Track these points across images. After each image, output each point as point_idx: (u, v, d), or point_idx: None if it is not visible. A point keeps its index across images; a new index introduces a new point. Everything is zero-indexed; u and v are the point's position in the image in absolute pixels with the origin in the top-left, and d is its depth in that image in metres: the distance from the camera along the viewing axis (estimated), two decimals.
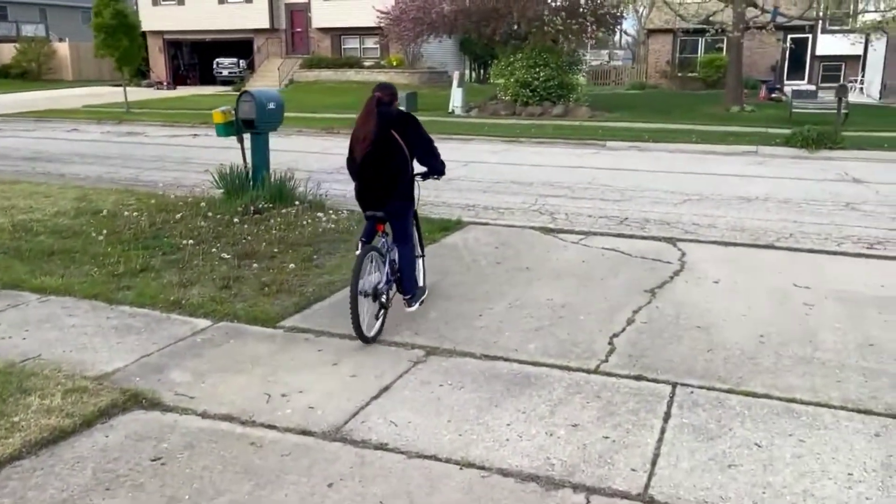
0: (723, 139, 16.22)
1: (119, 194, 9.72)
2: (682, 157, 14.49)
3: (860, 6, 21.91)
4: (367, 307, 4.78)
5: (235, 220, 7.87)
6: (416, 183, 5.21)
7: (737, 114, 21.26)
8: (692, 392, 4.09)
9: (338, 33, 34.28)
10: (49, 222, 7.98)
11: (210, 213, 8.15)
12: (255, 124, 8.64)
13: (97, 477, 3.28)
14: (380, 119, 4.88)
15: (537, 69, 21.50)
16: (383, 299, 4.94)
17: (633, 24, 52.50)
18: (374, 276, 4.87)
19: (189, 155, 14.35)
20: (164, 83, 36.71)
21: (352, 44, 34.70)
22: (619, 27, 30.37)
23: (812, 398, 4.03)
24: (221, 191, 8.99)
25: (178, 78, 38.85)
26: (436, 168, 5.23)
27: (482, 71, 37.85)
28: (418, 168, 5.19)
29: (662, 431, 3.67)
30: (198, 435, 3.63)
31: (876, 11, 20.62)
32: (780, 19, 23.40)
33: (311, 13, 34.03)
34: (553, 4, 21.56)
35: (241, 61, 36.87)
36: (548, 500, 3.13)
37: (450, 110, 22.37)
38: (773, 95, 26.33)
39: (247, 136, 8.96)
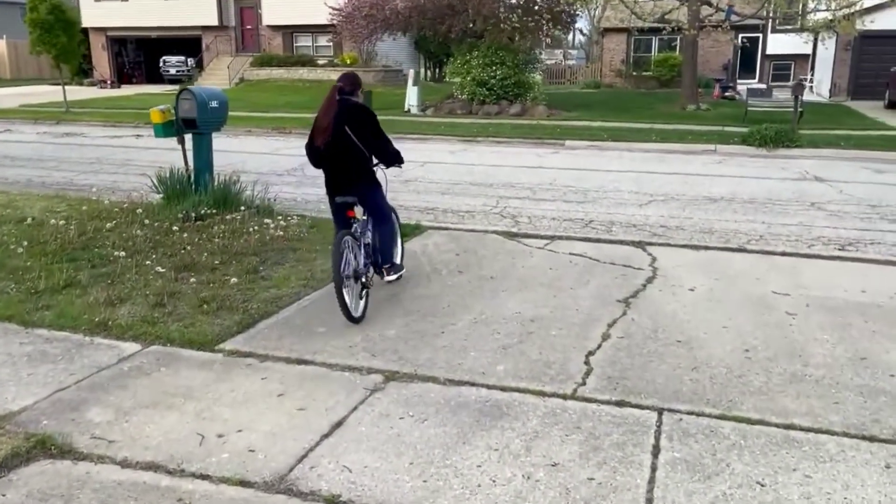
0: (681, 138, 16.07)
1: (48, 200, 8.97)
2: (642, 156, 14.25)
3: (811, 5, 22.07)
4: (351, 289, 5.00)
5: (175, 228, 7.24)
6: (380, 170, 5.49)
7: (693, 112, 21.22)
8: (681, 419, 3.69)
9: (290, 31, 33.43)
10: None
11: (147, 221, 7.50)
12: (196, 124, 8.01)
13: None
14: (338, 111, 5.11)
15: (494, 67, 21.13)
16: (364, 280, 5.16)
17: (587, 24, 52.72)
18: (353, 260, 5.04)
19: (130, 157, 13.55)
20: (108, 82, 35.31)
21: (304, 41, 33.88)
22: (574, 25, 30.22)
23: (811, 423, 3.66)
24: (161, 196, 8.33)
25: (123, 77, 37.45)
26: (387, 159, 5.44)
27: (438, 69, 37.40)
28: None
29: (653, 469, 3.25)
30: (114, 491, 3.08)
31: (827, 10, 20.77)
32: (733, 18, 23.48)
33: (262, 10, 33.09)
34: (509, 2, 21.22)
35: (189, 59, 35.66)
36: None
37: (406, 109, 21.85)
38: (727, 94, 26.47)
39: (189, 137, 8.32)
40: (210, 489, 3.09)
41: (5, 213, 8.09)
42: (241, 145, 15.66)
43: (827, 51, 28.01)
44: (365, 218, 5.45)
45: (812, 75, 30.89)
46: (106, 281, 5.81)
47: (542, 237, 7.61)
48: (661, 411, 3.78)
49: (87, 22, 32.97)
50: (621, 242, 7.43)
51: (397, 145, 5.61)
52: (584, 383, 4.11)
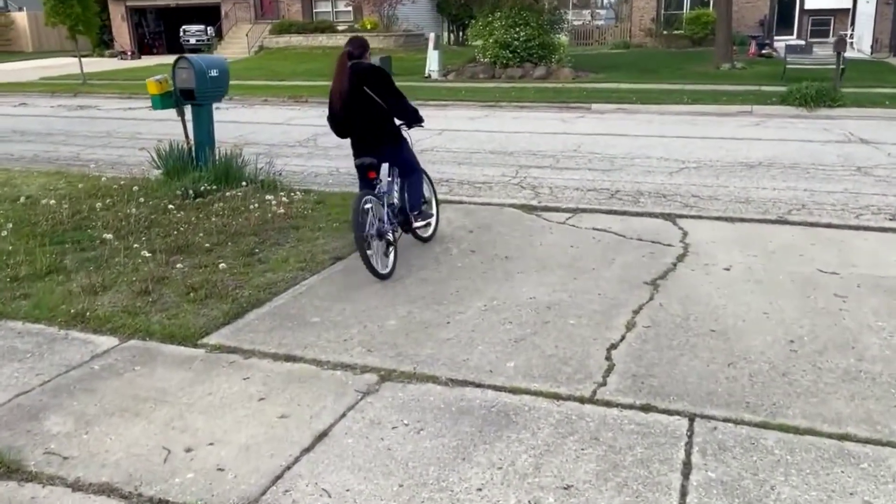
0: (715, 99, 15.24)
1: (49, 177, 8.64)
2: (673, 119, 13.51)
3: None
4: (375, 247, 5.07)
5: (171, 206, 6.83)
6: (404, 132, 5.51)
7: (727, 72, 20.23)
8: (716, 428, 3.19)
9: None
10: None
11: (142, 200, 7.10)
12: (195, 95, 7.57)
13: None
14: (351, 75, 5.12)
15: (517, 29, 20.32)
16: (389, 237, 5.19)
17: None
18: (375, 220, 5.05)
19: (141, 130, 13.18)
20: (129, 53, 35.01)
21: (324, 7, 33.21)
22: None
23: (870, 434, 3.14)
24: (161, 172, 7.93)
25: (143, 47, 37.10)
26: (408, 118, 5.43)
27: (460, 33, 36.44)
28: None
29: (683, 494, 2.77)
30: None
31: None
32: None
33: None
34: None
35: (208, 28, 35.21)
36: None
37: (426, 74, 21.18)
38: (764, 52, 25.25)
39: (190, 109, 7.89)
40: None
41: (1, 192, 7.77)
42: (255, 116, 15.22)
43: (868, 4, 26.58)
44: (390, 178, 5.48)
45: (852, 31, 29.42)
46: (92, 266, 5.43)
47: (563, 210, 7.07)
48: (692, 418, 3.28)
49: None
50: (649, 215, 6.86)
51: None
52: (604, 383, 3.62)
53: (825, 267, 5.27)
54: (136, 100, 18.21)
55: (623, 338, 4.14)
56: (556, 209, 7.12)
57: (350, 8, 31.88)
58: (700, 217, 6.78)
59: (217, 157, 7.78)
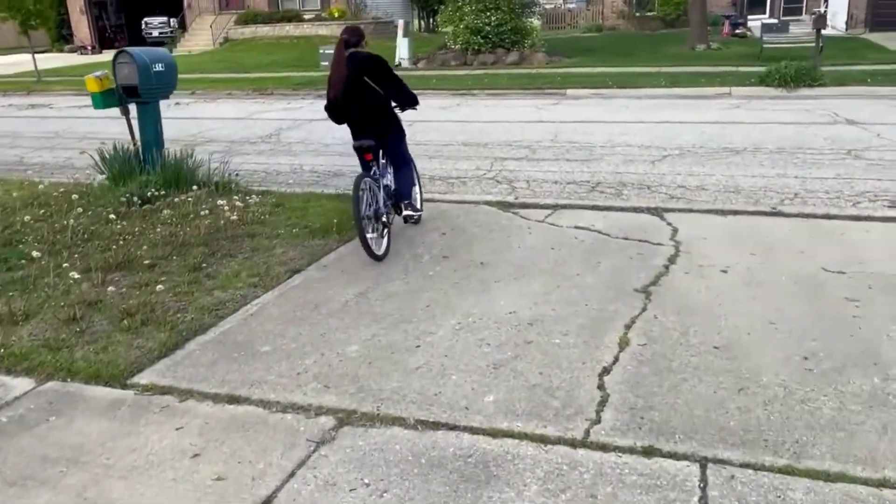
0: (693, 81, 14.82)
1: None
2: (651, 103, 13.05)
3: None
4: (373, 229, 5.17)
5: (112, 215, 6.21)
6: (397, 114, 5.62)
7: (703, 53, 19.84)
8: (733, 477, 2.70)
9: None
10: None
11: (82, 209, 6.47)
12: (138, 91, 6.93)
13: None
14: (350, 64, 5.23)
15: (488, 13, 19.75)
16: (385, 219, 5.33)
17: None
18: (372, 202, 5.16)
19: (94, 129, 12.43)
20: (89, 47, 33.85)
21: None
22: None
23: None
24: (105, 177, 7.29)
25: (104, 41, 35.89)
26: (407, 101, 5.57)
27: (431, 19, 35.70)
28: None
29: None
30: None
31: None
32: None
33: None
34: None
35: (171, 20, 34.16)
36: None
37: (396, 63, 20.51)
38: (738, 31, 24.92)
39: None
40: None
41: None
42: (217, 111, 14.53)
43: None
44: (384, 161, 5.57)
45: (826, 7, 29.16)
46: (16, 289, 4.82)
47: (542, 207, 6.56)
48: (704, 463, 2.79)
49: None
50: (634, 210, 6.37)
51: None
52: (598, 419, 3.12)
53: (830, 265, 4.81)
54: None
55: (616, 359, 3.64)
56: (535, 205, 6.61)
57: None
58: (689, 210, 6.31)
59: (166, 159, 7.14)
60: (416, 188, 6.05)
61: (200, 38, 30.43)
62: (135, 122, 7.27)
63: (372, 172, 5.37)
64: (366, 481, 2.77)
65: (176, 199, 6.60)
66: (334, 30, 28.90)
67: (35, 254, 5.28)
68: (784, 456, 2.82)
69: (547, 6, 38.61)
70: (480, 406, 3.26)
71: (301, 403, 3.33)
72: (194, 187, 6.84)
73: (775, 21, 24.08)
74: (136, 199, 6.52)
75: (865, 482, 2.65)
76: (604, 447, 2.92)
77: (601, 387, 3.38)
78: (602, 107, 12.84)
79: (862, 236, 5.44)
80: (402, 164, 5.68)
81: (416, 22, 35.84)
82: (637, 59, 18.99)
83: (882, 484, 2.64)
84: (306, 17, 30.49)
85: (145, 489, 2.78)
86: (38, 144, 11.16)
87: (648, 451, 2.88)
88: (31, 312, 4.44)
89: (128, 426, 3.22)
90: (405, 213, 5.62)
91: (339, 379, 3.55)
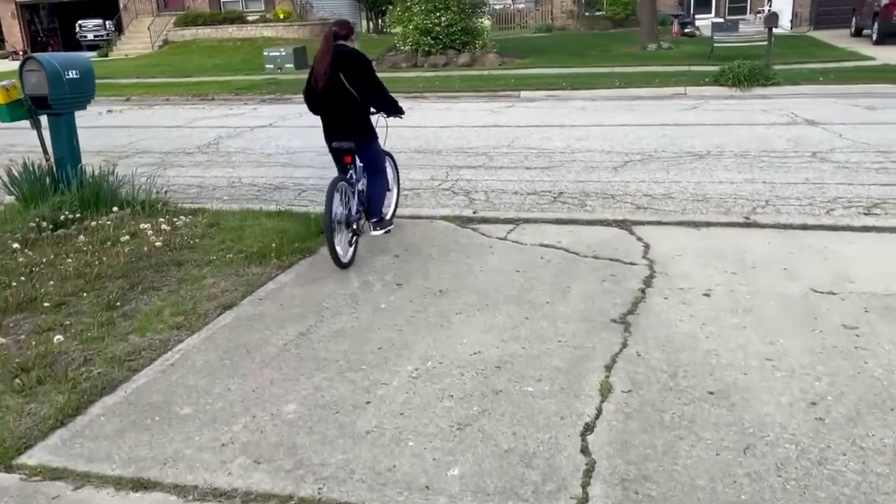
0: (648, 81, 14.57)
1: None
2: (607, 105, 12.70)
3: None
4: (342, 236, 5.01)
5: (17, 244, 5.47)
6: (382, 120, 5.48)
7: (655, 52, 19.69)
8: None
9: None
10: None
11: None
12: (48, 102, 6.18)
13: None
14: (331, 57, 5.07)
15: (437, 14, 19.25)
16: (355, 227, 5.16)
17: None
18: (342, 207, 5.00)
19: (15, 141, 11.41)
20: (21, 52, 32.19)
21: None
22: None
23: None
24: (15, 198, 6.51)
25: (37, 46, 34.28)
26: (383, 108, 5.39)
27: (379, 20, 35.03)
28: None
29: None
30: None
31: None
32: None
33: None
34: None
35: (107, 22, 32.81)
36: None
37: None
38: (687, 31, 24.95)
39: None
40: None
41: None
42: (152, 118, 13.67)
43: None
44: (360, 164, 5.41)
45: (770, 5, 29.49)
46: None
47: (502, 221, 6.06)
48: None
49: None
50: (601, 223, 5.91)
51: None
52: (585, 497, 2.60)
53: (819, 285, 4.41)
54: None
55: (599, 412, 3.13)
56: (495, 220, 6.10)
57: None
58: (660, 223, 5.87)
59: (84, 177, 6.41)
60: (394, 194, 6.03)
61: (138, 40, 29.23)
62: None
63: (349, 176, 5.21)
64: None
65: (94, 223, 5.88)
66: (280, 31, 28.05)
67: None
68: None
69: (496, 6, 38.33)
70: (444, 483, 2.71)
71: (225, 488, 2.73)
72: (115, 208, 6.12)
73: (720, 20, 24.16)
74: (45, 223, 5.78)
75: None
76: None
77: (585, 450, 2.87)
78: (558, 109, 12.43)
79: (845, 250, 5.06)
80: (375, 171, 5.46)
81: (364, 23, 35.14)
82: (589, 59, 18.72)
83: None
84: (250, 18, 29.54)
85: None
86: None
87: None
88: None
89: None
90: (372, 232, 5.49)
91: (273, 451, 2.96)
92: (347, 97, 5.12)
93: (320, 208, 6.63)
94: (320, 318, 4.26)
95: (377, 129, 5.42)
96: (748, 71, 13.74)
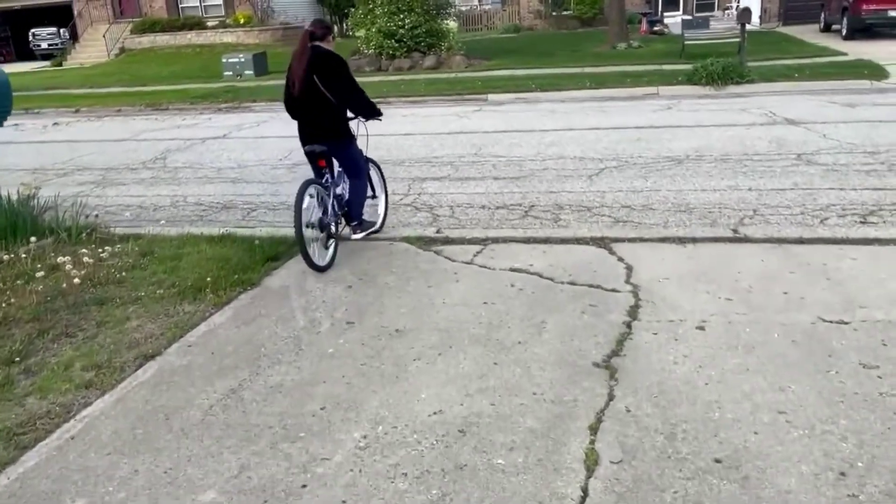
0: (619, 81, 14.11)
1: None
2: (578, 107, 12.20)
3: None
4: (315, 237, 4.87)
5: None
6: (361, 125, 5.38)
7: (625, 51, 19.27)
8: None
9: None
10: None
11: None
12: None
13: None
14: (307, 61, 4.91)
15: (401, 16, 18.65)
16: (331, 230, 5.01)
17: None
18: (316, 209, 4.88)
19: None
20: None
21: (191, 2, 30.29)
22: None
23: None
24: None
25: None
26: (360, 111, 5.25)
27: (342, 23, 34.34)
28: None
29: None
30: None
31: None
32: None
33: None
34: None
35: (61, 30, 31.76)
36: None
37: None
38: (656, 29, 24.62)
39: None
40: None
41: None
42: (99, 131, 12.89)
43: None
44: (340, 169, 5.29)
45: (739, 2, 29.35)
46: None
47: (469, 241, 5.48)
48: None
49: None
50: (577, 241, 5.36)
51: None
52: None
53: (826, 313, 3.89)
54: None
55: (585, 493, 2.57)
56: (461, 240, 5.52)
57: (221, 1, 29.22)
58: (642, 239, 5.34)
59: (0, 203, 5.72)
60: (382, 201, 5.91)
61: (93, 49, 28.22)
62: None
63: (324, 180, 5.08)
64: None
65: (7, 256, 5.20)
66: (240, 37, 27.25)
67: None
68: None
69: (463, 7, 37.79)
70: None
71: None
72: (33, 238, 5.44)
73: (688, 17, 23.90)
74: None
75: None
76: None
77: None
78: (527, 112, 11.90)
79: (849, 266, 4.57)
80: (355, 173, 5.32)
81: None
82: (558, 60, 18.24)
83: None
84: (209, 24, 28.66)
85: None
86: None
87: None
88: None
89: None
90: (353, 236, 5.41)
91: None
92: (322, 100, 4.96)
93: (268, 230, 6.07)
94: (256, 368, 3.65)
95: (357, 138, 5.27)
96: (722, 69, 13.35)
